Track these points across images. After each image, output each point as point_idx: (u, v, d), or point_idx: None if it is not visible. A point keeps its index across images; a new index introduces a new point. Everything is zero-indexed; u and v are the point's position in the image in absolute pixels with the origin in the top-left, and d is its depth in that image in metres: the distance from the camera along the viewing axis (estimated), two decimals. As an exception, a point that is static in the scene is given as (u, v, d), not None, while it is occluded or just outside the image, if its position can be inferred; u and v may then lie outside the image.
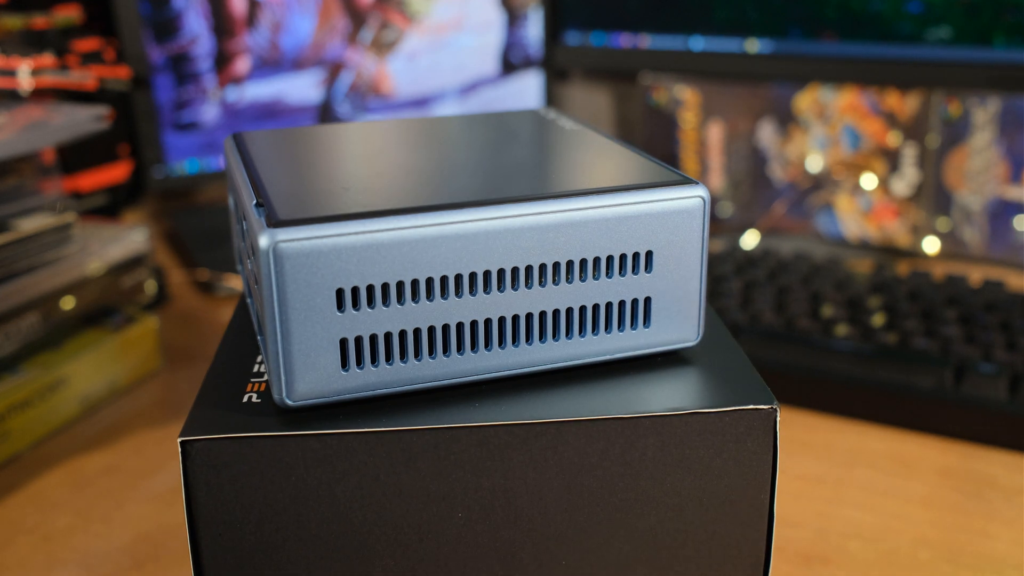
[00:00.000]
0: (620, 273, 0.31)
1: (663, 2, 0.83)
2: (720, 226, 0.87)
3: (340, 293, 0.28)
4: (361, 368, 0.29)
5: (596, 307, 0.31)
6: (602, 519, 0.30)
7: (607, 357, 0.32)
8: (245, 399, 0.30)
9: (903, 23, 0.72)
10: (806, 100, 0.82)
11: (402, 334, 0.29)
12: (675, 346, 0.33)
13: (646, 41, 0.84)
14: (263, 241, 0.27)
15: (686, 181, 0.31)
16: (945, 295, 0.62)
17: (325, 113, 0.87)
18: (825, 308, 0.62)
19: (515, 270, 0.29)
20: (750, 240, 0.82)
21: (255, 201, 0.29)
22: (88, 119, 0.60)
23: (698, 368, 0.33)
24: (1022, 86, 0.69)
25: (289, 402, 0.29)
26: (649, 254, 0.31)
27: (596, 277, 0.31)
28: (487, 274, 0.29)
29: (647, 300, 0.32)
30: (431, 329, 0.29)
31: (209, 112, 0.81)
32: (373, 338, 0.29)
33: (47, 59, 0.64)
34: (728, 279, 0.66)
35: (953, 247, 0.79)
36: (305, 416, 0.29)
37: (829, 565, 0.44)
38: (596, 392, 0.31)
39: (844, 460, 0.52)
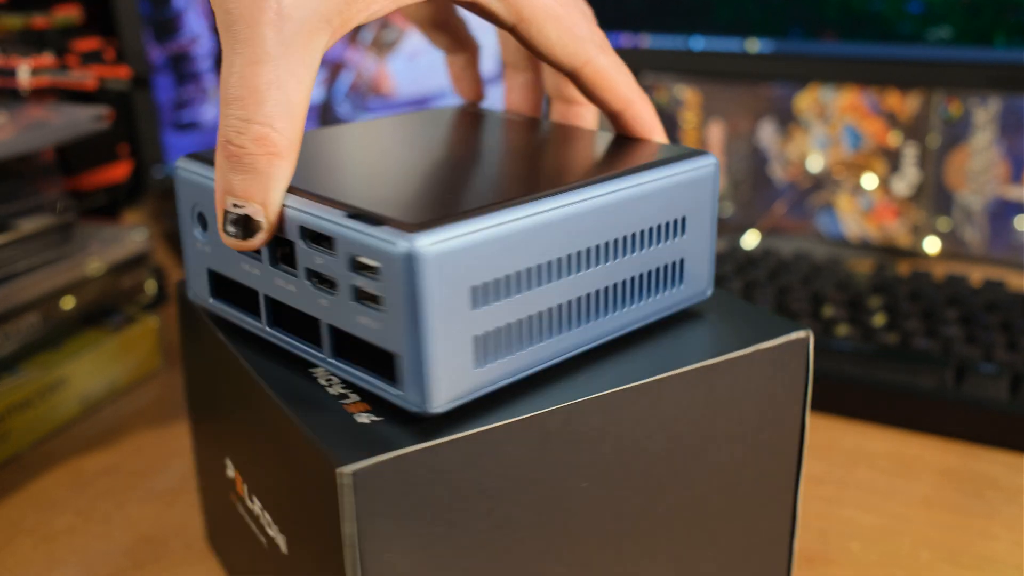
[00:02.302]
0: (666, 239, 0.33)
1: (663, 2, 0.83)
2: (720, 226, 0.87)
3: (474, 290, 0.28)
4: (491, 362, 0.29)
5: (650, 273, 0.34)
6: (690, 458, 0.34)
7: (654, 318, 0.35)
8: (361, 420, 0.29)
9: (904, 23, 0.72)
10: (806, 100, 0.82)
11: (520, 322, 0.30)
12: (695, 300, 0.36)
13: (646, 41, 0.84)
14: (400, 249, 0.26)
15: (700, 152, 0.34)
16: (946, 295, 0.62)
17: (325, 113, 0.87)
18: (826, 308, 0.61)
19: (600, 246, 0.31)
20: (750, 240, 0.82)
21: (348, 212, 0.28)
22: (88, 119, 0.59)
23: (726, 317, 0.36)
24: (1023, 86, 0.69)
25: (433, 409, 0.28)
26: (683, 219, 0.34)
27: (650, 245, 0.33)
28: (586, 252, 0.31)
29: (681, 261, 0.34)
30: (543, 313, 0.30)
31: (209, 112, 0.81)
32: (497, 330, 0.29)
33: (47, 59, 0.64)
34: (728, 279, 0.66)
35: (954, 247, 0.79)
36: (442, 421, 0.29)
37: (830, 566, 0.44)
38: (665, 349, 0.34)
39: (844, 460, 0.52)
